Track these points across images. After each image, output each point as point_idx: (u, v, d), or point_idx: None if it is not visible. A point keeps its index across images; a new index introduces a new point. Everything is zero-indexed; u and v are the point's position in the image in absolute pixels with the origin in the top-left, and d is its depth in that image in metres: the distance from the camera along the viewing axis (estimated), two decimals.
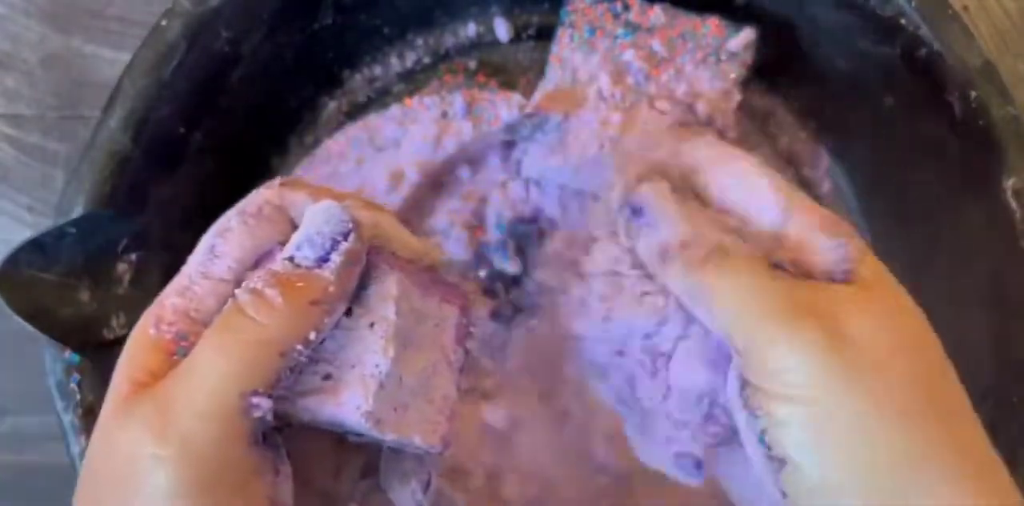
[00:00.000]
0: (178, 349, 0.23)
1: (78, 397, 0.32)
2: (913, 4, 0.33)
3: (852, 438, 0.23)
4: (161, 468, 0.21)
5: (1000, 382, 0.33)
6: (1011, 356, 0.33)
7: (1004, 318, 0.34)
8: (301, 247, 0.23)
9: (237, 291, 0.23)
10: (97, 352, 0.32)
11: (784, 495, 0.24)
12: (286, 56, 0.38)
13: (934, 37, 0.33)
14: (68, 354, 0.32)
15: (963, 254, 0.35)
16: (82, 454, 0.31)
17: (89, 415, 0.32)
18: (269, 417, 0.22)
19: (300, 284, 0.23)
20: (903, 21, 0.33)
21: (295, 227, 0.25)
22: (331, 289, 0.23)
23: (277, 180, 0.26)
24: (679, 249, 0.25)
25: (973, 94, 0.33)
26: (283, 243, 0.25)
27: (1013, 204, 0.32)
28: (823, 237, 0.25)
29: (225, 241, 0.25)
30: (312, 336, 0.23)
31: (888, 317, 0.24)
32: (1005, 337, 0.34)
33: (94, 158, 0.33)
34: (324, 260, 0.23)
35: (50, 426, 0.32)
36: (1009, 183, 0.32)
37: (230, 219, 0.25)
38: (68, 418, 0.32)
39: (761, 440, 0.24)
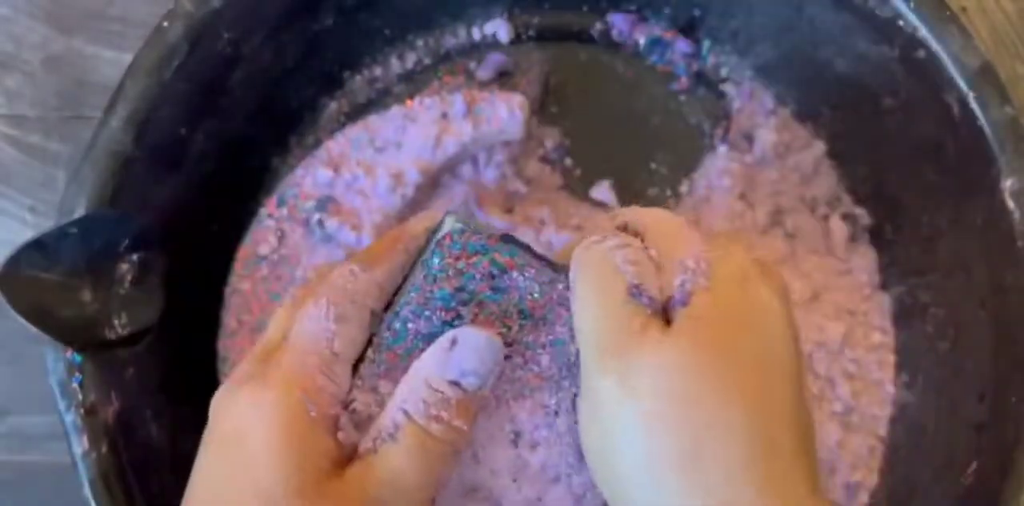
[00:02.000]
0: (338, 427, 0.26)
1: (80, 397, 0.32)
2: (911, 5, 0.33)
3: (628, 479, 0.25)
4: None
5: (999, 382, 0.34)
6: (1010, 356, 0.33)
7: (1003, 318, 0.34)
8: (467, 375, 0.26)
9: (416, 415, 0.26)
10: (99, 352, 0.32)
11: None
12: (287, 57, 0.38)
13: (932, 38, 0.33)
14: (70, 354, 0.32)
15: (962, 254, 0.35)
16: (84, 454, 0.31)
17: (91, 414, 0.32)
18: None
19: (469, 407, 0.26)
20: (901, 22, 0.34)
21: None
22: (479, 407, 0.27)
23: (348, 267, 0.28)
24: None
25: (971, 95, 0.33)
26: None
27: (1011, 204, 0.32)
28: (675, 261, 0.26)
29: (339, 336, 0.27)
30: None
31: (671, 370, 0.25)
32: (1005, 337, 0.34)
33: (96, 158, 0.33)
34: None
35: (51, 426, 0.32)
36: (1007, 184, 0.32)
37: (326, 313, 0.27)
38: (70, 418, 0.32)
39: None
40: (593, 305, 0.26)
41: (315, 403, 0.25)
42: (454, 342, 0.26)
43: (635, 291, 0.26)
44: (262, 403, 0.25)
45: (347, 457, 0.26)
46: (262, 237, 0.38)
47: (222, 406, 0.26)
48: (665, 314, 0.26)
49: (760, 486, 0.23)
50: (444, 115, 0.38)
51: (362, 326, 0.27)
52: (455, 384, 0.26)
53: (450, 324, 0.27)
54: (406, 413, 0.26)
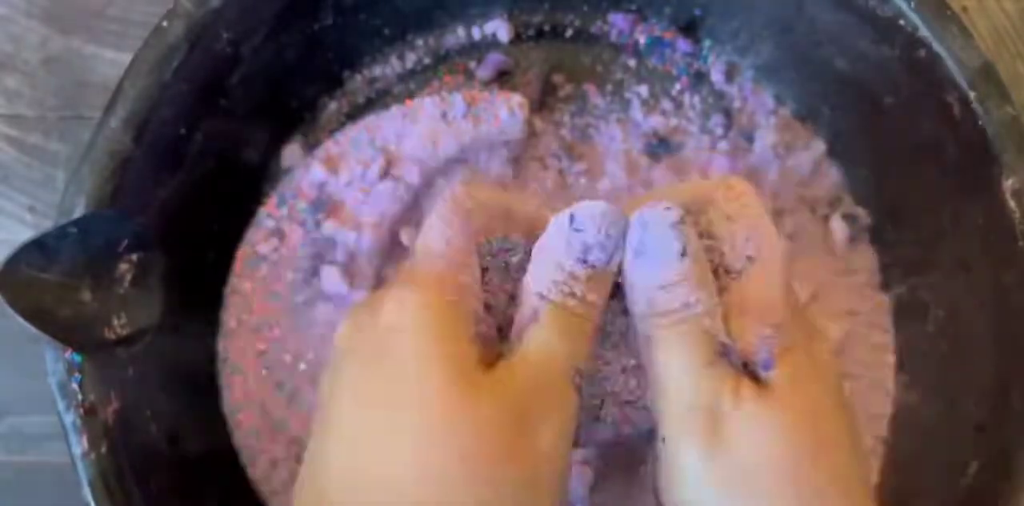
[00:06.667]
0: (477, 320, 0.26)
1: (79, 397, 0.32)
2: (912, 5, 0.33)
3: None
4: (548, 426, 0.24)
5: (1000, 382, 0.33)
6: (1011, 356, 0.33)
7: (1004, 318, 0.34)
8: (592, 251, 0.26)
9: (552, 295, 0.26)
10: (98, 352, 0.32)
11: None
12: (287, 57, 0.38)
13: (933, 37, 0.33)
14: (69, 354, 0.32)
15: (963, 254, 0.35)
16: (84, 454, 0.31)
17: (90, 415, 0.32)
18: None
19: (600, 282, 0.26)
20: (902, 22, 0.34)
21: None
22: (614, 280, 0.27)
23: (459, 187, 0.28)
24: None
25: (972, 94, 0.33)
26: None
27: (1012, 204, 0.32)
28: (758, 323, 0.26)
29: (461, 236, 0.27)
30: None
31: (774, 429, 0.25)
32: (1005, 337, 0.34)
33: (95, 158, 0.33)
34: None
35: (51, 426, 0.32)
36: (1008, 183, 0.32)
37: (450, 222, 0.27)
38: (69, 418, 0.32)
39: None
40: (678, 370, 0.25)
41: (456, 295, 0.25)
42: (572, 219, 0.26)
43: (723, 350, 0.25)
44: (405, 303, 0.25)
45: (489, 356, 0.25)
46: (262, 237, 0.38)
47: (355, 323, 0.26)
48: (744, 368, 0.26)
49: None
50: (444, 115, 0.38)
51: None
52: (582, 261, 0.26)
53: None
54: (542, 296, 0.25)
